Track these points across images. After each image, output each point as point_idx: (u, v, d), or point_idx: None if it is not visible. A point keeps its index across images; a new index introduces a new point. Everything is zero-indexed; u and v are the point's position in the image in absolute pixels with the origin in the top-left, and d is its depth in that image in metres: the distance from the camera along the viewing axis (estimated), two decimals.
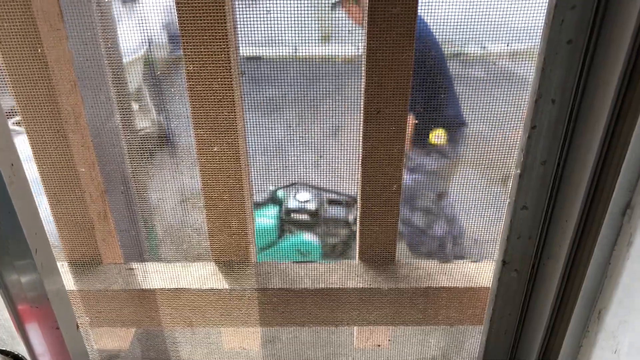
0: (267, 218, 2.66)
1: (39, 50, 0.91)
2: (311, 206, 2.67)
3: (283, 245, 2.64)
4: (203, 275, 1.35)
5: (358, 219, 1.25)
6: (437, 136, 2.19)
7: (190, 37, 0.98)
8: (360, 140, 1.05)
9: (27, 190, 0.86)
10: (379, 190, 1.11)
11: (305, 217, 2.67)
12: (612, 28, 0.84)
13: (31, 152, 1.12)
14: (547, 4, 0.85)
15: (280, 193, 2.75)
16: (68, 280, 1.35)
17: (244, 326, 1.36)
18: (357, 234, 1.29)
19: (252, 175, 1.23)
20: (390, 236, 1.25)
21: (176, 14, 0.97)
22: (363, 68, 0.96)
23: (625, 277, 0.84)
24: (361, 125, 1.03)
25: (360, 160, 1.08)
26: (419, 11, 0.97)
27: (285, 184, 2.74)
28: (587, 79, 0.89)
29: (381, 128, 1.02)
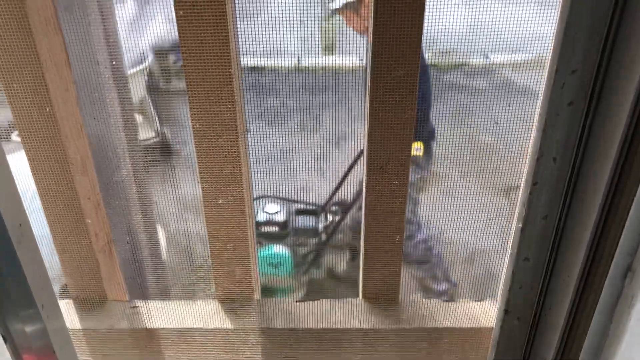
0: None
1: (47, 109, 0.92)
2: (280, 217, 2.66)
3: None
4: (207, 314, 1.36)
5: (361, 262, 1.25)
6: (417, 148, 2.30)
7: (193, 74, 1.00)
8: (364, 193, 1.06)
9: (34, 249, 0.87)
10: (382, 241, 1.12)
11: (275, 229, 2.66)
12: (612, 91, 0.85)
13: (40, 203, 1.14)
14: (547, 68, 0.86)
15: None
16: (73, 318, 1.36)
17: None
18: (360, 274, 1.29)
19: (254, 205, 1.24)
20: (393, 279, 1.25)
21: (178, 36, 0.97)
22: (366, 125, 0.97)
23: (627, 338, 0.85)
24: (364, 178, 1.04)
25: (364, 212, 1.09)
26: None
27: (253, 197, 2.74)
28: (588, 139, 0.90)
29: (384, 183, 1.03)
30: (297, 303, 1.39)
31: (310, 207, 2.74)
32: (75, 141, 1.04)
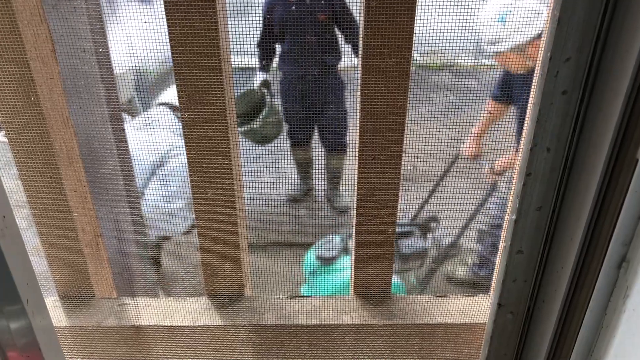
0: (342, 272, 2.43)
1: (32, 98, 0.90)
2: None
3: None
4: (196, 311, 1.34)
5: (352, 256, 1.24)
6: None
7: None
8: (356, 185, 1.05)
9: (19, 241, 0.85)
10: (375, 233, 1.10)
11: None
12: (606, 79, 0.84)
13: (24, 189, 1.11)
14: (541, 56, 0.85)
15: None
16: (59, 315, 1.34)
17: None
18: (352, 268, 1.28)
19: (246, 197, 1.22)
20: (385, 272, 1.24)
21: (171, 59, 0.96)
22: (358, 116, 0.96)
23: (621, 330, 0.84)
24: (356, 170, 1.02)
25: (355, 205, 1.07)
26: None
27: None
28: (582, 128, 0.89)
29: (376, 174, 1.01)
30: (288, 299, 1.37)
31: (411, 229, 2.49)
32: (61, 132, 1.01)
